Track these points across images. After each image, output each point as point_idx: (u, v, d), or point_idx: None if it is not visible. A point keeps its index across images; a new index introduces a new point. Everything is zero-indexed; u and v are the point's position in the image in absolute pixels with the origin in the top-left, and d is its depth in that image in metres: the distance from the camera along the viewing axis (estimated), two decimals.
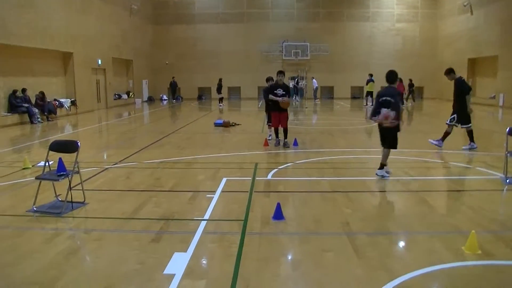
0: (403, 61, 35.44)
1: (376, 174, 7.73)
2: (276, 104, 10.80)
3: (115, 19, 28.05)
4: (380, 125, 7.67)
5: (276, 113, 10.93)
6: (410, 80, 29.83)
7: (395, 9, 35.54)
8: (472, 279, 3.92)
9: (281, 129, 11.34)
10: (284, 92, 10.79)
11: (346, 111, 25.09)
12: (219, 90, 28.06)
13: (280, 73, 11.11)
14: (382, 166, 7.71)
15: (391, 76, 7.85)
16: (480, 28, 28.91)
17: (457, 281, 3.91)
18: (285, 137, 11.07)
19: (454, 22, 32.75)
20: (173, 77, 33.73)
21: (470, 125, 10.77)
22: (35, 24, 18.73)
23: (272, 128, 11.92)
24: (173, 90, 33.99)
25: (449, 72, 11.03)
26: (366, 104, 27.22)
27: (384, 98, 7.55)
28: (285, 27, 35.52)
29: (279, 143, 11.25)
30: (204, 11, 35.84)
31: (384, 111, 7.34)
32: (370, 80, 27.77)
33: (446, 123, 10.97)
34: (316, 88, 32.77)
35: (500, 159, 8.22)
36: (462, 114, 10.65)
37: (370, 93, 27.51)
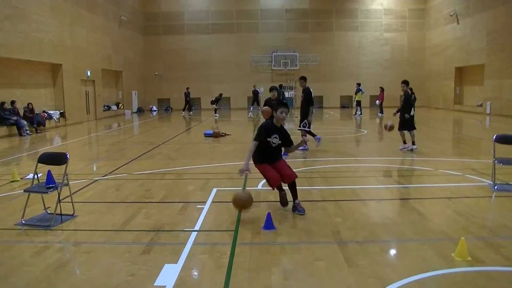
0: (391, 70, 35.89)
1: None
2: (266, 153, 6.29)
3: (105, 31, 28.07)
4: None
5: (268, 166, 6.26)
6: (411, 89, 30.41)
7: (383, 19, 35.96)
8: (462, 286, 3.94)
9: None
10: (280, 142, 6.39)
11: (336, 120, 25.22)
12: (216, 101, 28.26)
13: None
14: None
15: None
16: (467, 37, 29.34)
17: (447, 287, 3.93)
18: (295, 196, 6.37)
19: (441, 31, 33.21)
20: (187, 88, 31.52)
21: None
22: (25, 36, 18.69)
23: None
24: (187, 101, 31.17)
25: (301, 79, 12.32)
26: (355, 114, 27.40)
27: None
28: (275, 37, 35.77)
29: (286, 203, 6.50)
30: (193, 22, 35.99)
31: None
32: (359, 90, 28.02)
33: (298, 129, 12.00)
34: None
35: (488, 166, 8.30)
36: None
37: (358, 102, 27.77)
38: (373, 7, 35.84)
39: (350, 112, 30.24)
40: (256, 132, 6.25)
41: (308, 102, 12.10)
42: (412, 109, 12.32)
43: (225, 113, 31.74)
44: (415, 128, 12.32)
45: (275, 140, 6.24)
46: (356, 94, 28.37)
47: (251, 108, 30.38)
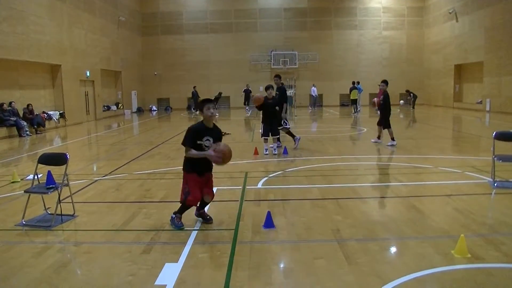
0: (390, 69, 35.92)
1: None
2: (197, 159, 5.52)
3: (103, 31, 28.08)
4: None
5: (196, 180, 5.59)
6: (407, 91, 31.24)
7: (382, 17, 35.96)
8: (462, 283, 3.95)
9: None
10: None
11: (335, 118, 25.22)
12: (216, 101, 28.31)
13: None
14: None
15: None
16: (466, 35, 29.35)
17: (447, 285, 3.94)
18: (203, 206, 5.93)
19: (440, 29, 33.22)
20: (194, 87, 31.81)
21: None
22: (23, 37, 18.70)
23: (268, 141, 11.41)
24: (195, 100, 30.78)
25: (276, 76, 12.49)
26: (354, 112, 27.44)
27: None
28: (273, 36, 35.79)
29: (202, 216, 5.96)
30: (192, 22, 36.00)
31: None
32: (353, 88, 28.16)
33: (279, 128, 11.91)
34: (316, 96, 32.82)
35: (488, 163, 8.31)
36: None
37: (354, 101, 27.90)
38: (371, 5, 35.85)
39: (349, 110, 30.22)
40: (184, 135, 5.51)
41: (283, 100, 12.07)
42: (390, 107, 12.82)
43: (225, 112, 31.74)
44: (390, 127, 12.76)
45: (207, 143, 5.46)
46: (350, 92, 28.47)
47: (248, 108, 30.29)
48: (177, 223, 5.58)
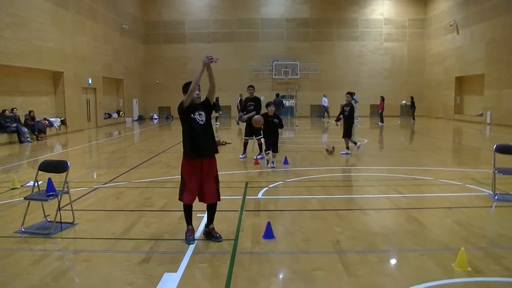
0: (391, 80, 36.03)
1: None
2: (194, 136, 5.34)
3: (106, 39, 28.21)
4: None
5: (195, 173, 5.33)
6: (412, 98, 30.81)
7: (384, 28, 36.12)
8: None
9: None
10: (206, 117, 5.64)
11: (336, 129, 25.20)
12: (217, 109, 28.13)
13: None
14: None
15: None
16: (467, 47, 29.45)
17: None
18: (211, 220, 5.60)
19: (441, 41, 33.34)
20: (216, 97, 29.78)
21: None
22: (27, 43, 18.80)
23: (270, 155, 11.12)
24: (217, 110, 28.54)
25: (250, 87, 12.61)
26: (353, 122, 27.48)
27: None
28: (275, 46, 35.91)
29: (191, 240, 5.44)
30: (194, 31, 36.14)
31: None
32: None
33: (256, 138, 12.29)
34: (327, 107, 32.65)
35: (488, 176, 8.30)
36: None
37: None
38: (373, 17, 36.02)
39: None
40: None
41: (257, 109, 12.10)
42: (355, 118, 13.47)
43: (225, 122, 31.76)
44: (350, 137, 13.36)
45: (201, 117, 5.40)
46: None
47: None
48: (187, 237, 5.32)
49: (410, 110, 31.26)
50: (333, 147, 13.45)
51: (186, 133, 5.31)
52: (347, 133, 13.22)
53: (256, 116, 10.86)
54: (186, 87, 5.49)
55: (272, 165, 10.92)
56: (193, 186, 5.21)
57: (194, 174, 5.22)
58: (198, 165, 5.25)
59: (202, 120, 5.32)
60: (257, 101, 12.13)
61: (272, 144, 10.87)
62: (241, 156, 12.46)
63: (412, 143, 17.84)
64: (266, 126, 10.92)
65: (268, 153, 11.03)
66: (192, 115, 5.29)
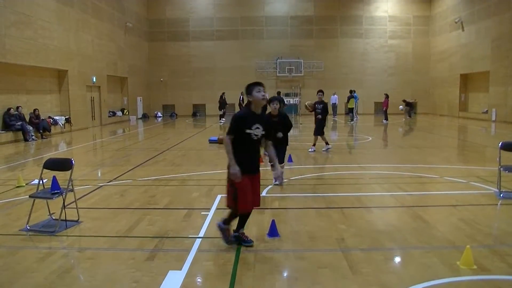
0: (396, 77, 35.91)
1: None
2: (246, 153, 4.89)
3: (110, 37, 28.25)
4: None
5: (248, 182, 4.88)
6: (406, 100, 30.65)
7: (388, 26, 35.98)
8: None
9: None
10: (264, 133, 4.97)
11: (340, 127, 25.19)
12: (222, 107, 28.32)
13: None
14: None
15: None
16: (472, 44, 29.31)
17: None
18: (242, 224, 5.20)
19: (446, 38, 33.19)
20: (223, 93, 29.85)
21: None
22: (32, 42, 18.85)
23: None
24: (223, 107, 29.39)
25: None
26: (352, 120, 27.55)
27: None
28: (279, 44, 35.86)
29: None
30: (198, 29, 36.15)
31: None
32: (351, 97, 28.30)
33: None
34: (334, 104, 32.18)
35: (493, 174, 8.26)
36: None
37: (351, 110, 28.08)
38: (377, 14, 35.89)
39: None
40: (230, 123, 4.88)
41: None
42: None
43: (228, 119, 31.72)
44: (324, 133, 13.35)
45: (257, 131, 4.78)
46: (348, 101, 28.54)
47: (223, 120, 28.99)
48: (227, 238, 5.05)
49: (410, 109, 31.09)
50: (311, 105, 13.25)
51: (236, 148, 4.79)
52: (318, 131, 13.17)
53: None
54: (252, 86, 4.90)
55: (276, 182, 8.23)
56: (249, 198, 4.85)
57: (248, 185, 4.83)
58: (249, 178, 4.89)
59: (257, 136, 4.82)
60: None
61: (278, 154, 8.41)
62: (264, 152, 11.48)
63: (416, 140, 17.76)
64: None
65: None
66: (247, 130, 4.73)
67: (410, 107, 30.76)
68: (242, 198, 4.76)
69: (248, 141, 4.75)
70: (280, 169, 4.86)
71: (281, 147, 8.25)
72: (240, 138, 4.74)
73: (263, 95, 4.79)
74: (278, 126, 8.10)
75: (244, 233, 5.13)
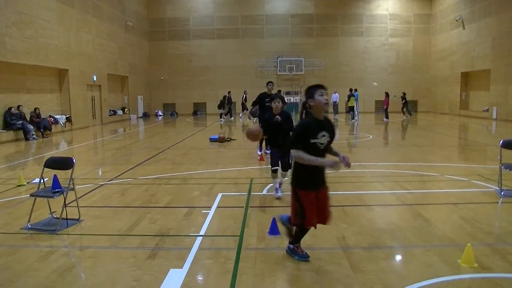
0: (396, 76, 35.88)
1: None
2: (313, 167, 4.37)
3: (111, 36, 28.24)
4: None
5: (314, 199, 4.47)
6: (404, 94, 29.47)
7: (389, 24, 35.95)
8: None
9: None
10: (329, 140, 4.47)
11: (341, 125, 25.19)
12: (222, 105, 28.45)
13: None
14: None
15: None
16: (473, 43, 29.28)
17: None
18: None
19: (446, 36, 33.16)
20: (228, 92, 30.23)
21: None
22: (32, 41, 18.85)
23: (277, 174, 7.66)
24: (229, 106, 29.63)
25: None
26: (352, 119, 27.56)
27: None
28: (280, 42, 35.86)
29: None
30: (199, 28, 36.14)
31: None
32: (351, 95, 28.30)
33: None
34: (336, 103, 32.03)
35: (494, 172, 8.26)
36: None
37: (351, 108, 28.08)
38: (378, 12, 35.86)
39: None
40: (292, 134, 4.44)
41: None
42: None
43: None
44: None
45: (323, 139, 4.29)
46: (349, 100, 28.51)
47: (224, 117, 29.59)
48: (301, 254, 4.67)
49: (404, 106, 29.30)
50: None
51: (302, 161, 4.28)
52: None
53: (251, 129, 7.38)
54: (313, 89, 4.35)
55: (276, 193, 7.40)
56: (314, 216, 4.41)
57: (314, 202, 4.40)
58: (315, 194, 4.44)
59: (323, 144, 4.31)
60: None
61: (281, 157, 7.41)
62: (266, 151, 11.01)
63: (417, 139, 17.75)
64: (271, 131, 7.41)
65: (276, 169, 7.51)
66: (312, 140, 4.23)
67: (405, 102, 29.19)
68: (307, 213, 4.36)
69: (315, 151, 4.24)
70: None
71: (284, 149, 7.22)
72: (305, 149, 4.22)
73: (326, 99, 4.31)
74: (281, 127, 7.29)
75: (299, 246, 4.75)
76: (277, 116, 7.32)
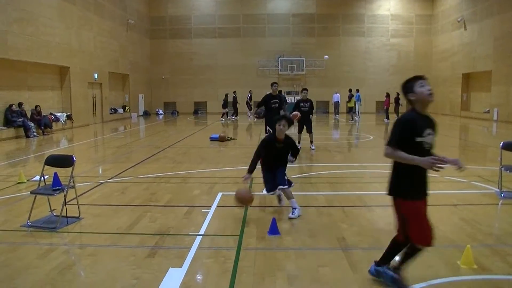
0: (398, 76, 35.70)
1: None
2: (420, 170, 3.76)
3: (112, 34, 28.24)
4: None
5: (425, 209, 3.99)
6: (397, 94, 28.30)
7: (390, 24, 35.92)
8: None
9: None
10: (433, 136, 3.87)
11: (342, 125, 25.18)
12: (225, 105, 28.58)
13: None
14: None
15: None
16: (474, 44, 29.25)
17: None
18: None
19: (448, 37, 33.13)
20: (234, 92, 30.40)
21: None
22: (34, 39, 18.86)
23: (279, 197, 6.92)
24: (234, 105, 29.65)
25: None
26: (353, 119, 27.53)
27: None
28: (281, 42, 35.83)
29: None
30: (200, 26, 36.13)
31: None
32: (351, 96, 28.31)
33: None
34: (337, 103, 32.01)
35: (495, 173, 8.25)
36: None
37: (351, 109, 28.11)
38: (380, 12, 35.83)
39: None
40: (391, 132, 3.72)
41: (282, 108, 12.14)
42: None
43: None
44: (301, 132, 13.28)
45: (429, 138, 3.69)
46: (349, 100, 28.49)
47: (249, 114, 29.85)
48: (402, 284, 3.90)
49: (397, 108, 26.92)
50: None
51: (400, 163, 3.68)
52: (310, 129, 13.23)
53: (243, 195, 6.02)
54: (407, 84, 3.97)
55: (282, 202, 6.85)
56: (426, 227, 3.83)
57: (420, 212, 3.86)
58: (423, 204, 3.90)
59: (429, 144, 3.70)
60: (281, 98, 11.95)
61: (273, 178, 6.50)
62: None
63: None
64: (271, 160, 6.63)
65: (273, 193, 6.64)
66: (418, 138, 3.61)
67: (397, 103, 27.01)
68: (417, 227, 3.76)
69: (420, 152, 3.57)
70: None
71: (275, 169, 6.50)
72: (407, 150, 3.56)
73: (429, 89, 3.78)
74: (280, 156, 6.57)
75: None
76: (291, 158, 6.67)
